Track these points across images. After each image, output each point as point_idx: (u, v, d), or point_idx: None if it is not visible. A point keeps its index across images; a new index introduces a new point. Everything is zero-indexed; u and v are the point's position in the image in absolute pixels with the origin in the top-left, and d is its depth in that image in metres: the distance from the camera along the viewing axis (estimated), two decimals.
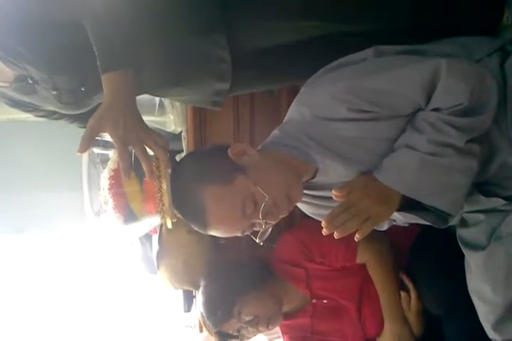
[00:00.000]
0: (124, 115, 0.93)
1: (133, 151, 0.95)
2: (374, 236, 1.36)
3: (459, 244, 1.17)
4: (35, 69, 1.10)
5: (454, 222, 1.08)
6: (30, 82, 1.14)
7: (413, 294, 1.43)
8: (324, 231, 0.94)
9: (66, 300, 2.53)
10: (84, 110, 1.26)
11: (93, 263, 2.43)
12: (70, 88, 1.15)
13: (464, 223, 1.15)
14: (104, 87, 0.96)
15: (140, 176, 1.02)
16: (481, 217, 1.11)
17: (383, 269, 1.48)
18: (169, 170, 1.00)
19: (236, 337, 1.52)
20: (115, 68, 0.95)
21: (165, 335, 2.14)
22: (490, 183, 1.08)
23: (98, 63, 0.95)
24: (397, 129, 0.99)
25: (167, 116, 1.77)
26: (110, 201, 1.08)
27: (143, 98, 1.32)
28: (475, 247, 1.11)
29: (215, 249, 1.68)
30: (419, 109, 0.98)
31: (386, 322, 1.46)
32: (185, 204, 1.01)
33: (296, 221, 1.63)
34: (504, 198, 1.06)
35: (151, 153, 0.97)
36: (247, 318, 1.48)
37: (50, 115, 1.34)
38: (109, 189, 1.07)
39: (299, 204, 1.16)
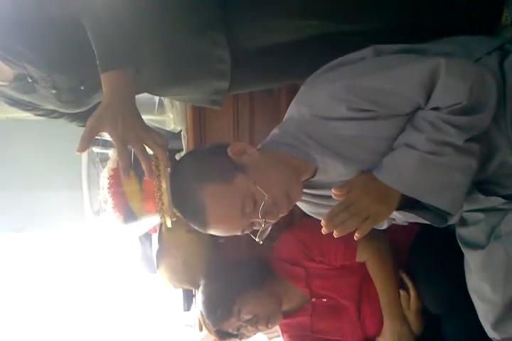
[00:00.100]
0: (123, 114, 0.93)
1: (132, 150, 0.95)
2: (373, 235, 1.36)
3: (459, 243, 1.17)
4: (34, 68, 1.10)
5: (453, 221, 1.08)
6: (30, 80, 1.14)
7: (412, 293, 1.43)
8: (324, 230, 0.95)
9: (66, 300, 2.53)
10: (83, 109, 1.26)
11: (93, 262, 2.43)
12: (69, 87, 1.15)
13: (463, 222, 1.15)
14: (103, 86, 0.96)
15: (139, 175, 1.02)
16: (481, 215, 1.11)
17: (383, 268, 1.48)
18: (169, 169, 1.00)
19: (236, 335, 1.53)
20: (114, 67, 0.95)
21: (165, 334, 2.15)
22: (489, 182, 1.08)
23: (97, 62, 0.95)
24: (396, 128, 0.99)
25: (166, 114, 1.77)
26: (110, 200, 1.08)
27: (142, 97, 1.32)
28: (474, 246, 1.12)
29: (215, 248, 1.68)
30: (419, 108, 0.98)
31: (385, 321, 1.46)
32: (185, 204, 1.01)
33: (295, 220, 1.64)
34: (503, 197, 1.06)
35: (150, 152, 0.97)
36: (247, 317, 1.48)
37: (50, 114, 1.34)
38: (108, 188, 1.07)
39: (299, 203, 1.16)
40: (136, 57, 1.00)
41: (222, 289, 1.51)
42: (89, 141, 0.94)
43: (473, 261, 1.12)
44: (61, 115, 1.34)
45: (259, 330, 1.54)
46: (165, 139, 0.97)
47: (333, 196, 0.97)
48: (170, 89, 1.26)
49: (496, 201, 1.07)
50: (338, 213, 0.94)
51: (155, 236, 1.76)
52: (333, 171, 1.03)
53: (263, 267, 1.58)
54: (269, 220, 1.00)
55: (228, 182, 0.97)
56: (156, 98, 1.73)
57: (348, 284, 1.52)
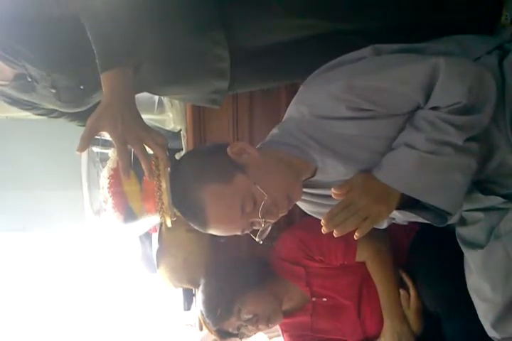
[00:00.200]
0: (122, 114, 0.93)
1: (132, 150, 0.95)
2: (373, 235, 1.36)
3: (458, 242, 1.17)
4: (34, 68, 1.10)
5: (453, 220, 1.08)
6: (30, 80, 1.14)
7: (412, 292, 1.43)
8: (323, 230, 0.95)
9: (66, 299, 2.53)
10: (83, 108, 1.26)
11: (93, 261, 2.43)
12: (69, 86, 1.15)
13: (463, 221, 1.16)
14: (103, 85, 0.96)
15: (139, 175, 1.02)
16: (480, 215, 1.11)
17: (383, 267, 1.48)
18: (168, 169, 1.00)
19: (236, 335, 1.53)
20: (114, 67, 0.94)
21: (165, 334, 2.15)
22: (489, 181, 1.08)
23: (97, 62, 0.95)
24: (396, 128, 0.99)
25: (166, 114, 1.76)
26: (110, 200, 1.08)
27: (142, 96, 1.32)
28: (474, 245, 1.12)
29: (215, 247, 1.68)
30: (418, 108, 0.98)
31: (385, 320, 1.46)
32: (185, 203, 1.01)
33: (295, 219, 1.64)
34: (503, 196, 1.06)
35: (150, 151, 0.97)
36: (247, 316, 1.48)
37: (50, 113, 1.34)
38: (108, 188, 1.07)
39: (299, 203, 1.16)
40: (136, 56, 1.00)
41: (223, 288, 1.51)
42: (89, 140, 0.94)
43: (473, 261, 1.12)
44: (61, 114, 1.35)
45: (259, 330, 1.54)
46: (165, 139, 0.97)
47: (332, 195, 0.97)
48: (169, 88, 1.26)
49: (496, 200, 1.07)
50: (337, 212, 0.94)
51: (155, 236, 1.76)
52: (333, 171, 1.03)
53: (263, 266, 1.58)
54: (269, 220, 1.00)
55: (228, 182, 0.97)
56: (156, 97, 1.73)
57: (348, 283, 1.52)
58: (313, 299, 1.56)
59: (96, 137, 0.95)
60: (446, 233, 1.24)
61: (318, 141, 1.02)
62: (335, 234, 0.94)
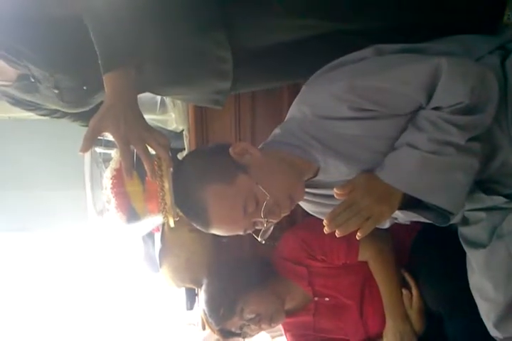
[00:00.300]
0: (125, 115, 0.93)
1: (135, 151, 0.95)
2: (376, 234, 1.36)
3: (461, 242, 1.17)
4: (37, 68, 1.10)
5: (455, 220, 1.08)
6: (33, 80, 1.14)
7: (415, 292, 1.43)
8: (326, 230, 0.95)
9: (68, 299, 2.53)
10: (86, 108, 1.26)
11: (96, 261, 2.44)
12: (71, 87, 1.15)
13: (465, 221, 1.15)
14: (105, 86, 0.96)
15: (142, 175, 1.03)
16: (483, 215, 1.11)
17: (385, 267, 1.48)
18: (171, 169, 1.00)
19: (238, 334, 1.53)
20: (116, 68, 0.95)
21: (168, 333, 2.15)
22: (491, 181, 1.08)
23: (100, 62, 0.96)
24: (398, 128, 0.99)
25: (168, 114, 1.77)
26: (113, 200, 1.08)
27: (144, 96, 1.32)
28: (476, 245, 1.12)
29: (218, 247, 1.68)
30: (420, 108, 0.98)
31: (388, 320, 1.46)
32: (187, 203, 1.01)
33: (298, 219, 1.64)
34: (505, 196, 1.06)
35: (152, 152, 0.97)
36: (250, 316, 1.48)
37: (52, 113, 1.35)
38: (111, 188, 1.07)
39: (301, 203, 1.16)
40: (138, 57, 1.00)
41: (225, 288, 1.52)
42: (91, 141, 0.94)
43: (475, 260, 1.12)
44: (64, 115, 1.35)
45: (262, 329, 1.54)
46: (167, 139, 0.98)
47: (335, 195, 0.97)
48: (172, 89, 1.26)
49: (498, 200, 1.07)
50: (340, 212, 0.94)
51: (157, 236, 1.76)
52: (335, 171, 1.04)
53: (266, 266, 1.58)
54: (271, 220, 1.00)
55: (230, 182, 0.97)
56: (158, 97, 1.73)
57: (350, 283, 1.53)
58: (316, 299, 1.56)
59: (99, 138, 0.96)
60: (448, 233, 1.23)
61: (321, 141, 1.02)
62: (337, 234, 0.94)
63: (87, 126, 0.97)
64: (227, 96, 1.26)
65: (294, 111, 1.09)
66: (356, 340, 1.57)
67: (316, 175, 1.07)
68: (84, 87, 1.15)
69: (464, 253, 1.16)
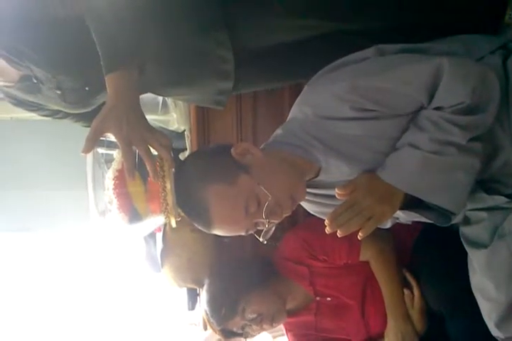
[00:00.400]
0: (127, 115, 0.93)
1: (137, 151, 0.95)
2: (377, 234, 1.36)
3: (462, 241, 1.17)
4: (39, 69, 1.11)
5: (456, 220, 1.08)
6: (35, 81, 1.15)
7: (416, 292, 1.43)
8: (327, 230, 0.95)
9: (70, 300, 2.54)
10: (88, 109, 1.27)
11: (97, 262, 2.44)
12: (74, 87, 1.16)
13: (466, 221, 1.15)
14: (107, 87, 0.96)
15: (144, 176, 1.03)
16: (484, 214, 1.11)
17: (386, 267, 1.48)
18: (173, 170, 1.00)
19: (240, 334, 1.53)
20: (118, 69, 0.95)
21: (170, 333, 2.15)
22: (493, 181, 1.08)
23: (102, 63, 0.96)
24: (399, 128, 0.99)
25: (170, 114, 1.77)
26: (115, 201, 1.08)
27: (146, 97, 1.33)
28: (478, 245, 1.12)
29: (219, 247, 1.68)
30: (422, 108, 0.98)
31: (389, 320, 1.46)
32: (189, 204, 1.01)
33: (299, 219, 1.64)
34: (507, 196, 1.06)
35: (154, 152, 0.97)
36: (251, 316, 1.48)
37: (55, 114, 1.35)
38: (113, 189, 1.07)
39: (302, 203, 1.16)
40: (140, 57, 1.00)
41: (227, 288, 1.52)
42: (94, 142, 0.94)
43: (476, 260, 1.12)
44: (66, 115, 1.35)
45: (263, 329, 1.54)
46: (169, 140, 0.98)
47: (336, 195, 0.97)
48: (173, 89, 1.26)
49: (500, 200, 1.07)
50: (341, 212, 0.95)
51: (159, 236, 1.76)
52: (337, 171, 1.04)
53: (267, 266, 1.58)
54: (272, 220, 1.00)
55: (232, 183, 0.98)
56: (160, 98, 1.73)
57: (351, 283, 1.53)
58: (317, 298, 1.56)
59: (101, 138, 0.96)
60: (449, 232, 1.23)
61: (322, 141, 1.02)
62: (338, 234, 0.94)
63: (89, 126, 0.97)
64: (228, 97, 1.26)
65: (295, 111, 1.10)
66: (358, 340, 1.57)
67: (317, 175, 1.07)
68: (87, 88, 1.15)
69: (466, 253, 1.16)
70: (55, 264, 2.53)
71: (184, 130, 1.75)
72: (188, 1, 1.09)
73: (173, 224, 1.04)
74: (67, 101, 1.19)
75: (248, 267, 1.57)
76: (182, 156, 1.70)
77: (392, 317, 1.46)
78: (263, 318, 1.49)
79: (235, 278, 1.54)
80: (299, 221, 1.64)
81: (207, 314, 1.53)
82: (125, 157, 0.93)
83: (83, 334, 2.45)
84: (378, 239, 1.47)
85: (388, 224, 1.19)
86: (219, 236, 1.06)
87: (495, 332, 1.10)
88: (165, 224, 1.68)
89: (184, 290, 1.89)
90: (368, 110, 0.97)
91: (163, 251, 1.72)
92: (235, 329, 1.52)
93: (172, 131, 1.81)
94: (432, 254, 1.41)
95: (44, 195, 2.30)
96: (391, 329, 1.46)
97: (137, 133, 0.93)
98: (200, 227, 1.03)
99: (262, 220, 0.99)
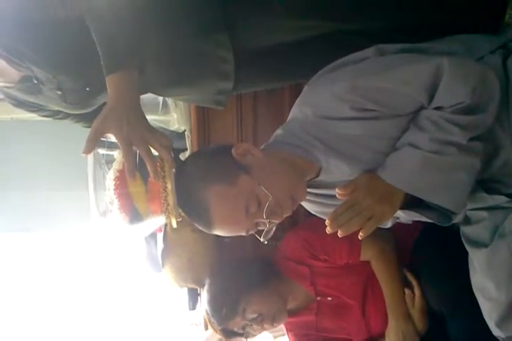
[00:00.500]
0: (128, 116, 0.93)
1: (137, 152, 0.95)
2: (378, 234, 1.36)
3: (463, 241, 1.17)
4: (39, 70, 1.11)
5: (457, 219, 1.08)
6: (36, 82, 1.15)
7: (417, 291, 1.43)
8: (328, 230, 0.95)
9: (71, 300, 2.54)
10: (89, 110, 1.27)
11: (98, 262, 2.44)
12: (74, 88, 1.16)
13: (467, 220, 1.15)
14: (108, 87, 0.96)
15: (145, 176, 1.03)
16: (484, 214, 1.11)
17: (387, 266, 1.48)
18: (173, 170, 1.00)
19: (241, 334, 1.53)
20: (119, 69, 0.95)
21: (170, 333, 2.15)
22: (493, 180, 1.08)
23: (102, 64, 0.96)
24: (399, 128, 0.99)
25: (170, 114, 1.77)
26: (115, 201, 1.08)
27: (146, 97, 1.32)
28: (478, 245, 1.12)
29: (220, 247, 1.68)
30: (422, 108, 0.98)
31: (390, 320, 1.46)
32: (190, 204, 1.01)
33: (300, 219, 1.64)
34: (507, 195, 1.06)
35: (155, 153, 0.97)
36: (252, 316, 1.49)
37: (55, 115, 1.35)
38: (114, 189, 1.07)
39: (303, 203, 1.16)
40: (140, 58, 1.01)
41: (228, 288, 1.52)
42: (94, 143, 0.94)
43: (477, 260, 1.12)
44: (66, 116, 1.35)
45: (264, 329, 1.55)
46: (170, 140, 0.98)
47: (337, 195, 0.98)
48: (174, 89, 1.27)
49: (500, 199, 1.07)
50: (342, 212, 0.95)
51: (160, 236, 1.76)
52: (337, 171, 1.04)
53: (268, 266, 1.58)
54: (273, 220, 1.00)
55: (232, 183, 0.98)
56: (160, 98, 1.73)
57: (352, 283, 1.53)
58: (318, 298, 1.56)
59: (102, 139, 0.96)
60: (450, 232, 1.24)
61: (323, 141, 1.02)
62: (339, 234, 0.94)
63: (89, 127, 0.98)
64: (229, 97, 1.26)
65: (295, 111, 1.10)
66: (359, 340, 1.57)
67: (318, 175, 1.07)
68: (87, 89, 1.15)
69: (466, 253, 1.16)
70: (55, 265, 2.53)
71: (184, 130, 1.75)
72: (188, 1, 1.09)
73: (174, 225, 1.04)
74: (68, 102, 1.19)
75: (249, 267, 1.58)
76: (182, 156, 1.70)
77: (393, 317, 1.46)
78: (264, 318, 1.49)
79: (235, 278, 1.54)
80: (299, 221, 1.64)
81: (208, 314, 1.53)
82: (126, 157, 0.93)
83: (84, 334, 2.45)
84: (379, 238, 1.47)
85: (389, 224, 1.19)
86: (220, 236, 1.06)
87: (496, 331, 1.10)
88: (166, 225, 1.68)
89: (185, 290, 1.90)
90: (368, 110, 0.98)
91: (163, 251, 1.72)
92: (235, 329, 1.52)
93: (172, 132, 1.81)
94: (432, 254, 1.41)
95: (45, 196, 2.30)
96: (392, 328, 1.46)
97: (138, 133, 0.93)
98: (200, 228, 1.03)
99: (262, 220, 0.99)
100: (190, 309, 1.92)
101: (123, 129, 0.92)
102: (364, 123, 0.99)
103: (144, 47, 1.02)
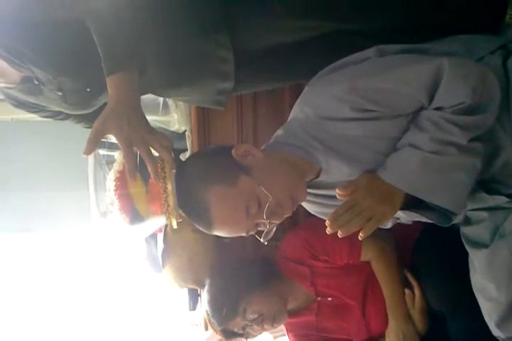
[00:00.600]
0: (128, 117, 0.93)
1: (138, 153, 0.95)
2: (378, 235, 1.36)
3: (463, 241, 1.17)
4: (40, 71, 1.11)
5: (457, 220, 1.08)
6: (36, 83, 1.15)
7: (417, 291, 1.43)
8: (328, 230, 0.95)
9: (71, 300, 2.54)
10: (89, 110, 1.27)
11: (98, 262, 2.44)
12: (75, 89, 1.16)
13: (467, 221, 1.15)
14: (108, 88, 0.96)
15: (145, 177, 1.03)
16: (485, 214, 1.11)
17: (387, 267, 1.48)
18: (174, 171, 1.01)
19: (241, 335, 1.53)
20: (119, 70, 0.95)
21: (170, 333, 2.16)
22: (493, 181, 1.08)
23: (103, 65, 0.96)
24: (400, 128, 0.99)
25: (171, 115, 1.77)
26: (116, 202, 1.08)
27: (147, 98, 1.33)
28: (479, 245, 1.12)
29: (220, 247, 1.68)
30: (422, 108, 0.98)
31: (390, 320, 1.46)
32: (190, 205, 1.01)
33: (300, 220, 1.64)
34: (507, 196, 1.06)
35: (155, 154, 0.98)
36: (252, 316, 1.49)
37: (56, 115, 1.35)
38: (114, 190, 1.07)
39: (303, 203, 1.16)
40: (141, 58, 1.01)
41: (228, 288, 1.52)
42: (95, 143, 0.94)
43: (477, 260, 1.12)
44: (67, 116, 1.35)
45: (264, 329, 1.55)
46: (170, 141, 0.98)
47: (337, 196, 0.98)
48: (174, 90, 1.27)
49: (500, 200, 1.07)
50: (342, 213, 0.95)
51: (160, 236, 1.76)
52: (337, 171, 1.04)
53: (268, 266, 1.58)
54: (273, 221, 1.00)
55: (233, 184, 0.98)
56: (161, 99, 1.74)
57: (352, 283, 1.53)
58: (318, 299, 1.56)
59: (102, 140, 0.96)
60: (450, 233, 1.23)
61: (323, 141, 1.02)
62: (339, 234, 0.94)
63: (90, 127, 0.98)
64: (229, 97, 1.27)
65: (296, 112, 1.10)
66: (359, 340, 1.57)
67: (318, 175, 1.07)
68: (88, 89, 1.16)
69: (466, 253, 1.16)
70: (56, 265, 2.53)
71: (185, 131, 1.75)
72: (188, 1, 1.09)
73: (175, 225, 1.04)
74: (69, 103, 1.19)
75: (249, 267, 1.58)
76: (183, 157, 1.70)
77: (393, 317, 1.46)
78: (264, 318, 1.49)
79: (235, 279, 1.54)
80: (299, 221, 1.64)
81: (208, 314, 1.53)
82: (126, 158, 0.93)
83: (84, 334, 2.45)
84: (379, 239, 1.47)
85: (389, 225, 1.20)
86: (220, 236, 1.06)
87: (496, 332, 1.10)
88: (166, 225, 1.68)
89: (185, 291, 1.90)
90: (369, 111, 0.98)
91: (164, 251, 1.72)
92: (236, 330, 1.52)
93: (173, 132, 1.81)
94: (432, 254, 1.41)
95: (45, 196, 2.31)
96: (392, 329, 1.46)
97: (138, 134, 0.94)
98: (200, 228, 1.03)
99: (262, 221, 0.99)
100: (190, 309, 1.92)
101: (123, 130, 0.93)
102: (364, 124, 0.99)
103: (144, 47, 1.02)
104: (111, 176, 1.10)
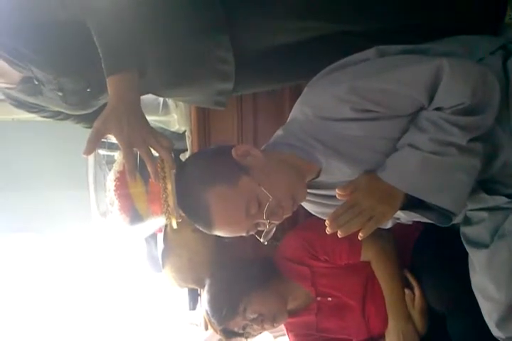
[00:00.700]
0: (128, 117, 0.94)
1: (138, 153, 0.95)
2: (378, 234, 1.36)
3: (463, 241, 1.17)
4: (40, 71, 1.11)
5: (457, 220, 1.08)
6: (36, 83, 1.15)
7: (417, 291, 1.43)
8: (328, 230, 0.95)
9: (71, 300, 2.54)
10: (90, 111, 1.27)
11: (98, 262, 2.44)
12: (75, 89, 1.16)
13: (467, 221, 1.16)
14: (108, 89, 0.96)
15: (145, 177, 1.03)
16: (485, 215, 1.11)
17: (387, 267, 1.48)
18: (174, 171, 1.01)
19: (241, 334, 1.53)
20: (119, 70, 0.95)
21: (170, 333, 2.16)
22: (493, 181, 1.08)
23: (103, 65, 0.96)
24: (400, 128, 0.99)
25: (171, 115, 1.77)
26: (116, 202, 1.08)
27: (147, 98, 1.33)
28: (478, 245, 1.12)
29: (220, 247, 1.68)
30: (422, 109, 0.98)
31: (390, 320, 1.46)
32: (190, 205, 1.01)
33: (300, 219, 1.64)
34: (507, 196, 1.06)
35: (155, 154, 0.98)
36: (252, 316, 1.49)
37: (56, 116, 1.35)
38: (114, 190, 1.08)
39: (303, 203, 1.16)
40: (141, 59, 1.01)
41: (228, 288, 1.52)
42: (95, 143, 0.94)
43: (477, 260, 1.12)
44: (67, 117, 1.35)
45: (264, 329, 1.55)
46: (170, 141, 0.98)
47: (337, 196, 0.98)
48: (174, 90, 1.27)
49: (500, 200, 1.07)
50: (342, 213, 0.95)
51: (160, 236, 1.76)
52: (337, 171, 1.04)
53: (268, 266, 1.58)
54: (273, 221, 1.00)
55: (233, 184, 0.98)
56: (161, 99, 1.74)
57: (353, 283, 1.53)
58: (318, 298, 1.56)
59: (102, 140, 0.96)
60: (450, 233, 1.24)
61: (323, 142, 1.02)
62: (339, 234, 0.95)
63: (90, 127, 0.98)
64: (229, 98, 1.27)
65: (296, 112, 1.10)
66: (359, 340, 1.57)
67: (318, 175, 1.07)
68: (88, 90, 1.16)
69: (466, 254, 1.16)
70: (56, 265, 2.54)
71: (185, 131, 1.75)
72: (188, 1, 1.09)
73: (174, 225, 1.04)
74: (69, 103, 1.19)
75: (249, 267, 1.58)
76: (183, 157, 1.71)
77: (393, 317, 1.46)
78: (264, 318, 1.49)
79: (235, 278, 1.54)
80: (299, 221, 1.64)
81: (208, 314, 1.53)
82: (126, 158, 0.93)
83: (84, 334, 2.46)
84: (379, 239, 1.47)
85: (389, 225, 1.20)
86: (220, 236, 1.06)
87: (495, 332, 1.10)
88: (166, 225, 1.68)
89: (185, 291, 1.90)
90: (369, 111, 0.98)
91: (164, 251, 1.72)
92: (235, 330, 1.52)
93: (173, 132, 1.81)
94: (432, 254, 1.41)
95: (45, 196, 2.31)
96: (392, 329, 1.46)
97: (138, 134, 0.94)
98: (200, 228, 1.03)
99: (262, 221, 0.99)
100: (190, 309, 1.93)
101: (123, 130, 0.93)
102: (364, 124, 0.99)
103: (144, 48, 1.02)
104: (111, 176, 1.11)
